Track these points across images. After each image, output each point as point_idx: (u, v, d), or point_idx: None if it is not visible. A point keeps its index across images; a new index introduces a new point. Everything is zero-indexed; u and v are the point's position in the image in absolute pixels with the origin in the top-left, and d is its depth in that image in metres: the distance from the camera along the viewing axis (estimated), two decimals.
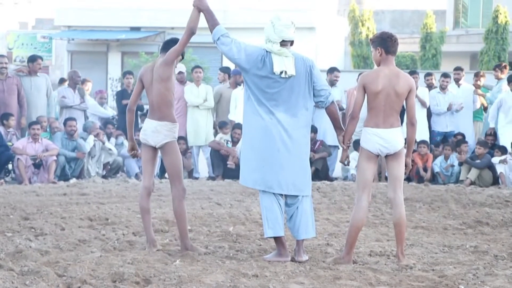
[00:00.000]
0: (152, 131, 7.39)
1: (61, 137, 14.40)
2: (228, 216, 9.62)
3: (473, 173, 14.70)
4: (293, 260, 7.00)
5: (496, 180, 14.80)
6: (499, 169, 14.71)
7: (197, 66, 16.51)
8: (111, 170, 15.15)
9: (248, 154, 7.19)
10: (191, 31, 7.35)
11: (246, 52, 7.17)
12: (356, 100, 7.11)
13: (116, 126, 16.02)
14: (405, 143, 7.15)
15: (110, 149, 15.00)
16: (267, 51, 7.14)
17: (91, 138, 14.71)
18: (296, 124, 7.16)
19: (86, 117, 15.73)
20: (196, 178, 15.25)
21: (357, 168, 7.22)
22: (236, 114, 15.48)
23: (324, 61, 26.68)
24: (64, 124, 14.63)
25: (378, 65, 7.14)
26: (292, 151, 7.14)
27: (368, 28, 32.83)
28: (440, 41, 31.95)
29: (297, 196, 7.18)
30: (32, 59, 15.22)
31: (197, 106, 15.60)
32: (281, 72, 7.08)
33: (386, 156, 7.08)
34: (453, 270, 6.53)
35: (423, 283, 6.07)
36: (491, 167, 14.82)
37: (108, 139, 15.31)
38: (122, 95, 16.56)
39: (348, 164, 8.09)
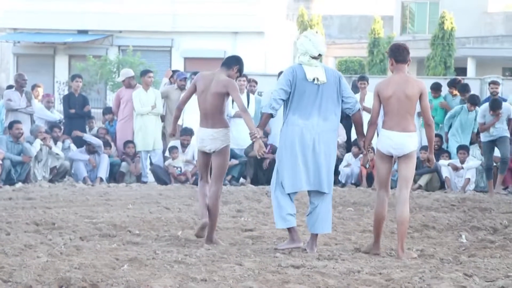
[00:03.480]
0: (210, 139, 8.09)
1: (6, 141, 14.19)
2: (177, 221, 9.59)
3: (424, 179, 14.86)
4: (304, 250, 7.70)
5: (442, 184, 14.99)
6: (445, 173, 14.89)
7: (149, 71, 16.31)
8: (58, 174, 14.99)
9: (286, 162, 7.83)
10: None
11: (283, 87, 7.82)
12: (373, 107, 7.95)
13: (62, 130, 15.84)
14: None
15: (57, 154, 14.84)
16: (298, 65, 7.91)
17: (37, 142, 14.53)
18: (327, 127, 7.88)
19: (32, 121, 15.53)
20: (145, 183, 15.17)
21: (376, 168, 8.17)
22: (185, 119, 15.39)
23: (273, 65, 26.80)
24: (9, 127, 14.39)
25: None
26: (322, 152, 7.84)
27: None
28: (387, 46, 32.18)
29: (321, 193, 7.86)
30: None
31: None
32: (314, 79, 7.80)
33: (398, 157, 7.85)
34: (400, 273, 6.58)
35: (370, 286, 6.11)
36: (438, 171, 15.00)
37: (55, 143, 15.13)
38: (69, 99, 16.39)
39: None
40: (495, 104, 14.09)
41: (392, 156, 7.86)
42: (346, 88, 7.97)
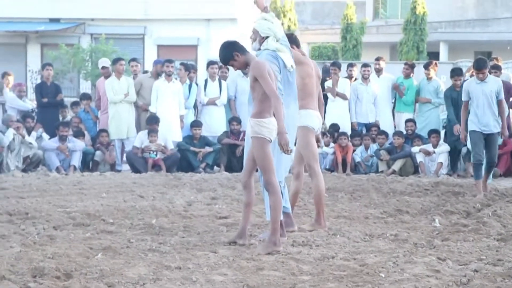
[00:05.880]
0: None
1: None
2: (151, 209, 9.56)
3: (397, 164, 14.92)
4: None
5: (416, 169, 15.06)
6: (419, 158, 14.96)
7: (121, 59, 16.29)
8: (31, 164, 14.89)
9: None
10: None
11: (276, 71, 7.47)
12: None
13: (35, 119, 15.74)
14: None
15: (30, 143, 14.75)
16: (273, 51, 7.59)
17: (10, 131, 14.42)
18: (297, 112, 7.87)
19: (4, 110, 15.42)
20: (119, 171, 15.12)
21: (305, 145, 8.21)
22: (157, 107, 15.37)
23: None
24: None
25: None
26: (295, 138, 7.99)
27: (290, 19, 33.04)
28: (360, 32, 32.33)
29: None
30: None
31: None
32: (291, 66, 7.69)
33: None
34: (374, 258, 6.61)
35: (344, 272, 6.13)
36: (412, 156, 15.07)
37: (29, 133, 15.03)
38: (41, 88, 16.30)
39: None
40: (480, 62, 11.60)
41: None
42: None
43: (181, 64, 16.38)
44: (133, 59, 16.85)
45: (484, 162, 11.55)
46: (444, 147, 14.89)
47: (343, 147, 15.36)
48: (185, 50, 29.67)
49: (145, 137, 15.00)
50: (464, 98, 11.64)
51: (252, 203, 7.46)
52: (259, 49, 7.74)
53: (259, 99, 7.08)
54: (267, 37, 7.68)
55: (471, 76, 12.31)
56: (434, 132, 15.11)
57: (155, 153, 14.93)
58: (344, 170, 15.12)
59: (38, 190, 11.49)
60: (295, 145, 8.23)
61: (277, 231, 7.06)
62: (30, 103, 16.59)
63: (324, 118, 15.69)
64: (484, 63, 11.53)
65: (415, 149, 15.03)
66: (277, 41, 7.69)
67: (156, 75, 15.78)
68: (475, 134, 11.51)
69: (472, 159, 11.70)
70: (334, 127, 15.70)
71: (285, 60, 7.63)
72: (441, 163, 14.80)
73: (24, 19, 30.66)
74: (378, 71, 16.44)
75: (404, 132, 15.55)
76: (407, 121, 15.78)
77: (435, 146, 14.91)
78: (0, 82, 15.59)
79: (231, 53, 7.27)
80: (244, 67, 7.33)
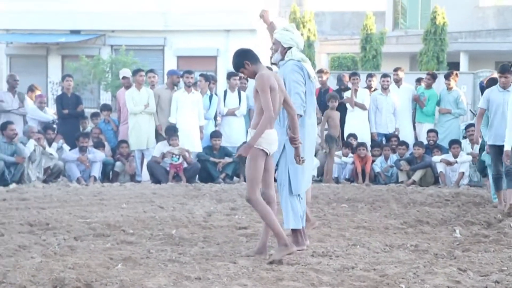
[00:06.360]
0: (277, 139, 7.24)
1: None
2: (171, 219, 9.58)
3: (417, 174, 14.87)
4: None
5: (437, 179, 15.00)
6: (439, 168, 14.91)
7: (141, 70, 16.35)
8: (52, 175, 14.97)
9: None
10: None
11: (303, 87, 7.65)
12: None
13: (56, 130, 15.83)
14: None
15: (51, 154, 14.82)
16: (298, 62, 7.69)
17: (31, 142, 14.50)
18: (315, 123, 7.94)
19: (25, 122, 15.51)
20: (139, 182, 15.15)
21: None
22: (176, 118, 15.41)
23: (265, 63, 26.71)
24: (3, 128, 14.33)
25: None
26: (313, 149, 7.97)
27: (309, 29, 33.01)
28: (380, 42, 32.23)
29: None
30: None
31: None
32: (313, 77, 7.77)
33: None
34: (394, 269, 6.58)
35: (364, 282, 6.11)
36: (432, 167, 15.02)
37: (50, 144, 15.11)
38: (61, 99, 16.38)
39: None
40: (504, 66, 11.37)
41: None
42: None
43: (201, 75, 16.45)
44: (150, 70, 16.90)
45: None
46: (465, 157, 14.83)
47: (362, 157, 15.34)
48: (205, 61, 29.72)
49: (164, 147, 15.04)
50: (482, 105, 11.38)
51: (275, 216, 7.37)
52: (282, 59, 7.78)
53: (260, 109, 7.06)
54: (289, 48, 7.73)
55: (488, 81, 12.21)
56: (455, 142, 15.05)
57: (177, 156, 14.92)
58: (364, 180, 15.10)
59: (59, 201, 11.55)
60: (315, 155, 8.26)
61: (281, 234, 7.04)
62: (50, 113, 16.66)
63: (343, 129, 15.76)
64: (508, 67, 11.27)
65: (436, 159, 14.98)
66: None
67: (172, 85, 15.83)
68: (493, 149, 11.20)
69: (492, 172, 11.37)
70: (353, 137, 15.70)
71: (309, 70, 7.69)
72: (463, 173, 14.75)
73: (45, 31, 30.83)
74: (397, 82, 16.43)
75: (426, 142, 15.51)
76: (429, 131, 15.75)
77: (456, 156, 14.85)
78: (22, 94, 15.69)
79: (241, 61, 7.29)
80: (253, 76, 7.26)
